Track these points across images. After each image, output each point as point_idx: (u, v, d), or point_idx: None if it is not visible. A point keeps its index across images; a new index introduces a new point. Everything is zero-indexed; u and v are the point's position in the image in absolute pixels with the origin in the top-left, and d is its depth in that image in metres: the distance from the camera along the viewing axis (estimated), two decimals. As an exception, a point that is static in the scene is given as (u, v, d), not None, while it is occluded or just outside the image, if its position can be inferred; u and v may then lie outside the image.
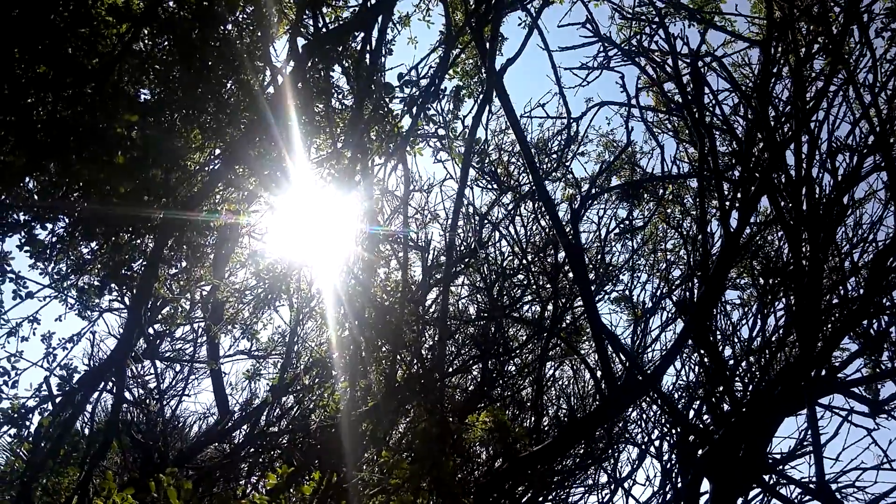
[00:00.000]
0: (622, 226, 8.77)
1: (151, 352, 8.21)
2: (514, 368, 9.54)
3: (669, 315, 9.02)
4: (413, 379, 6.01)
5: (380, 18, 5.01)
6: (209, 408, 9.99)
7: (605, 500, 9.47)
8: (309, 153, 6.32)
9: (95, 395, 5.75)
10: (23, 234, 5.06)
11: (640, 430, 9.22)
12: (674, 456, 8.48)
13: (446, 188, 13.35)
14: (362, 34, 5.35)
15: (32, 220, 5.26)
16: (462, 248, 8.43)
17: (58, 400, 5.06)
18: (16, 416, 4.96)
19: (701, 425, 7.58)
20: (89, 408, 6.14)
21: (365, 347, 6.40)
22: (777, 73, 6.34)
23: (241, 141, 5.67)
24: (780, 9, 6.01)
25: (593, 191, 7.65)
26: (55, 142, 4.95)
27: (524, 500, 8.95)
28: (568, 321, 9.13)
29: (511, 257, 9.30)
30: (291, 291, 7.74)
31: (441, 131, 7.11)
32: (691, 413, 8.38)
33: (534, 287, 9.11)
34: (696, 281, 7.80)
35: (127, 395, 7.98)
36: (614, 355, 6.71)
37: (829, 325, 7.08)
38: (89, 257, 5.57)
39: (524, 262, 8.99)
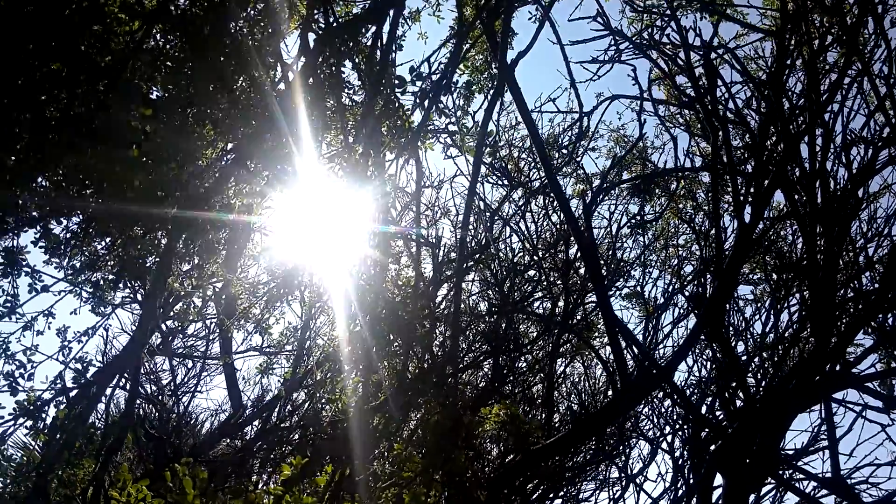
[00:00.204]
0: (634, 221, 8.73)
1: (165, 347, 8.27)
2: (524, 365, 9.52)
3: (681, 311, 8.98)
4: (425, 373, 6.02)
5: (391, 13, 5.01)
6: (221, 404, 10.06)
7: (616, 496, 9.45)
8: (320, 149, 6.34)
9: (110, 388, 5.81)
10: (38, 228, 5.11)
11: (652, 425, 9.19)
12: (686, 451, 8.44)
13: (456, 184, 13.37)
14: (374, 29, 5.36)
15: (47, 215, 5.31)
16: (473, 244, 8.43)
17: (73, 393, 5.11)
18: (32, 408, 5.01)
19: (714, 419, 7.53)
20: (104, 400, 6.20)
21: (376, 342, 6.42)
22: (791, 64, 6.28)
23: (252, 137, 5.70)
24: (794, 0, 5.97)
25: (605, 185, 7.62)
26: (69, 137, 5.00)
27: (535, 496, 8.95)
28: (579, 317, 9.10)
29: (522, 253, 9.29)
30: (303, 287, 7.78)
31: (452, 126, 7.12)
32: (703, 409, 8.33)
33: (545, 283, 9.09)
34: (708, 276, 7.76)
35: (140, 390, 8.03)
36: (627, 349, 6.68)
37: (844, 320, 7.02)
38: (104, 252, 5.61)
39: (535, 258, 8.97)
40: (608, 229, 9.03)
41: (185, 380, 9.17)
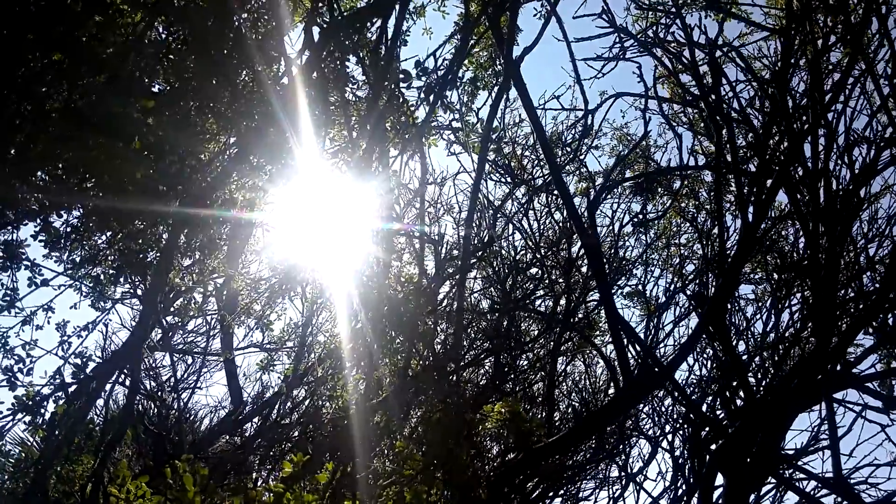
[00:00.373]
0: (636, 219, 8.71)
1: (165, 343, 8.23)
2: (525, 363, 9.51)
3: (683, 310, 8.98)
4: (427, 370, 6.00)
5: (396, 7, 4.98)
6: (221, 401, 10.03)
7: (616, 495, 9.44)
8: (323, 144, 6.30)
9: (110, 384, 5.77)
10: (38, 221, 5.07)
11: (652, 424, 9.19)
12: (686, 450, 8.43)
13: (459, 181, 13.35)
14: (378, 23, 5.33)
15: (47, 208, 5.27)
16: (476, 241, 8.40)
17: (72, 388, 5.07)
18: (31, 403, 4.97)
19: (715, 418, 7.52)
20: (103, 396, 6.16)
21: (378, 339, 6.40)
22: (795, 63, 6.27)
23: (254, 131, 5.66)
24: (799, -1, 5.96)
25: (609, 182, 7.60)
26: (70, 130, 4.96)
27: (535, 494, 8.94)
28: (581, 316, 9.09)
29: (524, 251, 9.28)
30: (305, 283, 7.74)
31: (456, 123, 7.09)
32: (704, 408, 8.33)
33: (547, 281, 9.07)
34: (710, 275, 7.75)
35: (140, 386, 7.99)
36: (629, 347, 6.66)
37: (845, 320, 7.01)
38: (104, 246, 5.57)
39: (537, 255, 8.96)
40: (610, 228, 9.03)
41: (185, 376, 9.14)
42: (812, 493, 6.56)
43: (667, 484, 8.94)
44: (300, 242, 7.04)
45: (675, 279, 8.99)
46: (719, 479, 6.79)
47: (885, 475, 8.21)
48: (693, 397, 8.36)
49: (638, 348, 6.03)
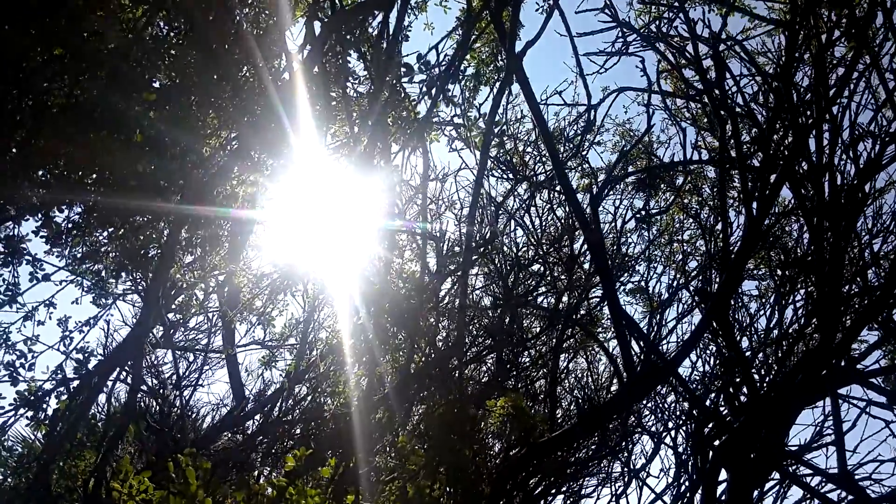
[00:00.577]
0: (639, 215, 8.69)
1: (167, 340, 8.22)
2: (528, 360, 9.48)
3: (686, 306, 8.95)
4: (430, 366, 5.98)
5: (398, 1, 4.96)
6: (222, 398, 10.01)
7: (618, 491, 9.42)
8: (325, 139, 6.28)
9: (112, 378, 5.75)
10: (39, 216, 5.06)
11: (655, 420, 9.16)
12: (689, 446, 8.41)
13: (461, 178, 13.30)
14: (380, 18, 5.30)
15: (49, 203, 5.25)
16: (478, 237, 8.38)
17: (74, 383, 5.06)
18: (32, 398, 4.96)
19: (719, 414, 7.49)
20: (106, 391, 6.15)
21: (379, 336, 6.38)
22: (799, 57, 6.24)
23: (256, 126, 5.64)
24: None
25: (613, 176, 7.57)
26: (72, 124, 4.94)
27: (537, 491, 8.91)
28: (583, 312, 9.06)
29: (525, 248, 9.25)
30: (306, 280, 7.73)
31: (458, 119, 7.07)
32: (707, 404, 8.30)
33: (549, 278, 9.05)
34: (714, 271, 7.73)
35: (142, 383, 7.97)
36: (632, 343, 6.64)
37: (850, 315, 6.99)
38: (106, 242, 5.56)
39: (539, 251, 8.93)
40: (613, 224, 9.00)
41: (187, 373, 9.12)
42: (816, 488, 6.54)
43: (669, 480, 8.93)
44: (301, 238, 7.02)
45: (678, 275, 8.97)
46: (723, 475, 6.77)
47: (890, 471, 8.19)
48: (696, 393, 8.34)
49: (641, 344, 6.00)
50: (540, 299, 9.47)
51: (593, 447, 9.17)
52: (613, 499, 9.53)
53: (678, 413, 8.88)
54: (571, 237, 8.91)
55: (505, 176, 8.68)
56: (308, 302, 8.40)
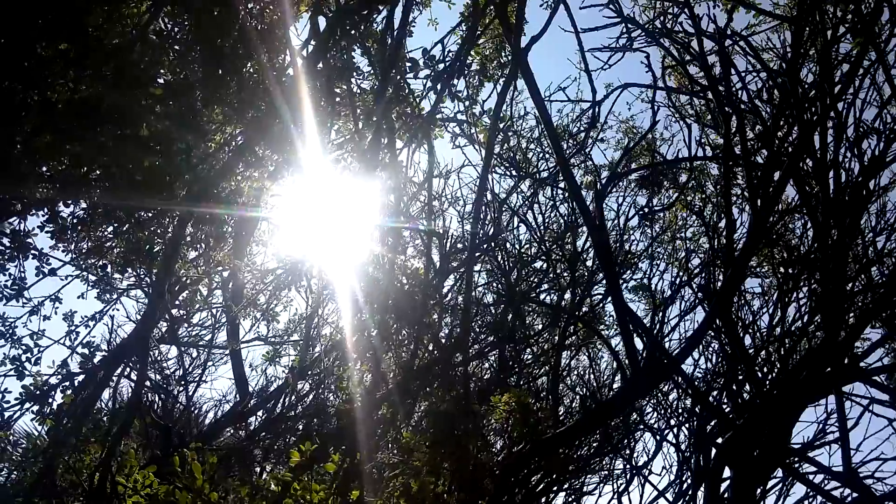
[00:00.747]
0: (643, 212, 8.68)
1: (171, 336, 8.24)
2: (530, 357, 9.48)
3: (688, 304, 8.95)
4: (435, 362, 5.99)
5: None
6: (225, 394, 10.03)
7: (620, 488, 9.42)
8: (329, 135, 6.29)
9: (117, 374, 5.76)
10: (45, 211, 5.07)
11: (658, 416, 9.16)
12: (692, 444, 8.41)
13: (464, 174, 13.28)
14: (384, 13, 5.30)
15: (55, 198, 5.27)
16: (481, 234, 8.38)
17: (80, 378, 5.08)
18: (38, 392, 4.98)
19: (722, 411, 7.50)
20: (111, 385, 6.16)
21: (382, 332, 6.38)
22: (805, 52, 6.23)
23: (261, 121, 5.64)
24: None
25: (618, 171, 7.56)
26: (78, 118, 4.95)
27: (539, 488, 8.91)
28: (586, 309, 9.06)
29: (528, 245, 9.25)
30: (310, 275, 7.73)
31: (461, 116, 7.06)
32: (711, 401, 8.30)
33: (552, 275, 9.05)
34: (717, 268, 7.72)
35: (147, 378, 7.98)
36: (636, 339, 6.64)
37: (854, 313, 6.98)
38: (111, 236, 5.57)
39: (542, 248, 8.93)
40: (616, 221, 8.99)
41: (191, 369, 9.14)
42: (820, 485, 6.54)
43: (672, 478, 8.93)
44: (306, 234, 7.03)
45: (681, 273, 8.96)
46: (726, 472, 6.77)
47: (893, 470, 8.18)
48: (699, 390, 8.33)
49: (645, 339, 6.00)
50: (543, 296, 9.47)
51: (595, 444, 9.17)
52: (615, 496, 9.54)
53: (680, 410, 8.89)
54: (574, 234, 8.91)
55: (508, 173, 8.68)
56: (312, 298, 8.41)
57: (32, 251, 5.11)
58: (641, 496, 9.34)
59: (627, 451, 9.36)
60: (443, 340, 7.21)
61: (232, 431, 9.06)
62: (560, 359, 8.71)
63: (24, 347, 5.12)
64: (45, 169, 5.29)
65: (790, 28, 6.19)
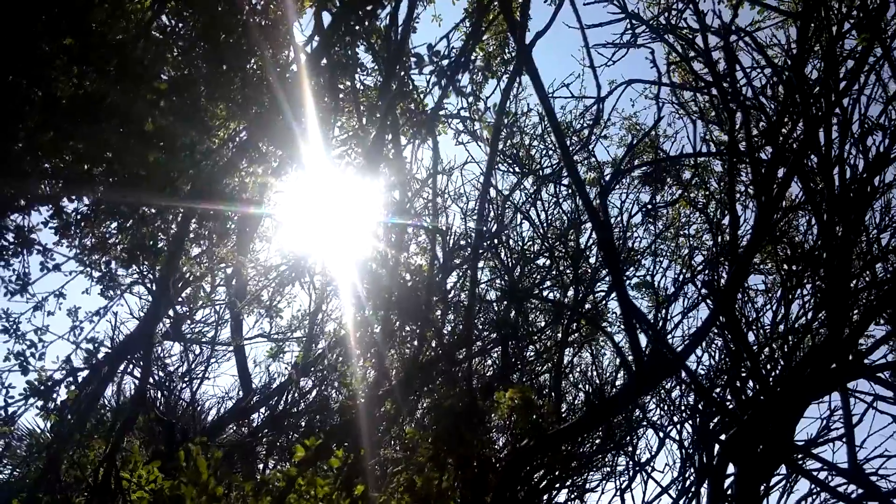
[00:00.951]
0: (646, 208, 8.67)
1: (174, 332, 8.24)
2: (532, 354, 9.48)
3: (691, 301, 8.94)
4: (438, 358, 5.98)
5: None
6: (228, 391, 10.04)
7: (623, 485, 9.42)
8: (332, 131, 6.28)
9: (121, 370, 5.77)
10: (49, 206, 5.07)
11: (662, 413, 9.16)
12: (695, 440, 8.41)
13: (467, 171, 13.26)
14: (388, 8, 5.29)
15: (59, 194, 5.26)
16: (484, 230, 8.37)
17: (84, 373, 5.08)
18: (43, 388, 4.98)
19: (726, 407, 7.49)
20: (116, 380, 6.16)
21: (387, 328, 6.38)
22: (810, 48, 6.21)
23: (265, 117, 5.64)
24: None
25: (623, 167, 7.55)
26: (82, 114, 4.94)
27: (541, 486, 8.92)
28: (589, 306, 9.06)
29: (531, 242, 9.25)
30: (314, 271, 7.73)
31: (465, 112, 7.05)
32: (714, 397, 8.30)
33: (555, 272, 9.04)
34: (721, 264, 7.71)
35: (151, 373, 7.99)
36: (641, 335, 6.63)
37: (858, 310, 6.97)
38: (115, 232, 5.57)
39: (545, 245, 8.93)
40: (619, 218, 8.99)
41: (194, 366, 9.15)
42: (826, 480, 6.54)
43: (675, 475, 8.93)
44: (309, 230, 7.02)
45: (684, 270, 8.96)
46: (730, 469, 6.78)
47: (896, 467, 8.17)
48: (703, 387, 8.33)
49: (650, 334, 5.99)
50: (546, 293, 9.48)
51: (598, 441, 9.17)
52: (618, 493, 9.55)
53: (683, 407, 8.89)
54: (577, 231, 8.90)
55: (511, 170, 8.68)
56: (317, 294, 8.41)
57: (37, 247, 5.11)
58: (644, 493, 9.35)
59: (630, 448, 9.37)
60: (446, 337, 7.20)
61: (235, 428, 9.07)
62: (563, 356, 8.71)
63: (28, 343, 5.12)
64: (47, 165, 5.28)
65: (795, 24, 6.17)
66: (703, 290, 8.30)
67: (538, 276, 9.28)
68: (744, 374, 7.61)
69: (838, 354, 6.20)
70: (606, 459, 9.53)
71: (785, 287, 8.20)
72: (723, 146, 7.57)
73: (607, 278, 8.85)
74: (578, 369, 9.91)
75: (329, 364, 7.91)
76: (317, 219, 6.69)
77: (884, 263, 7.55)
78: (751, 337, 8.36)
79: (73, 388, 5.14)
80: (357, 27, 5.22)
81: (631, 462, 9.37)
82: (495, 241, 8.56)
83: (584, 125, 8.06)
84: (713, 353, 8.81)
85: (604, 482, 9.81)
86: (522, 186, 8.90)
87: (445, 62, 5.32)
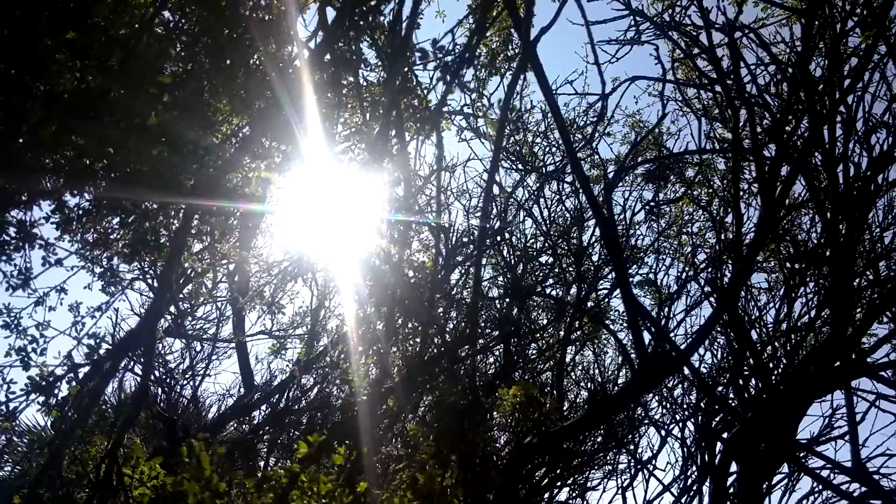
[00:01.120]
0: (650, 205, 8.66)
1: (176, 329, 8.22)
2: (534, 351, 9.46)
3: (694, 299, 8.94)
4: (441, 355, 5.97)
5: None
6: (229, 388, 10.03)
7: (625, 483, 9.41)
8: (336, 127, 6.25)
9: (122, 366, 5.75)
10: (52, 201, 5.04)
11: (664, 411, 9.15)
12: (697, 438, 8.40)
13: (470, 168, 13.23)
14: (394, 3, 5.27)
15: (61, 188, 5.24)
16: (487, 227, 8.36)
17: (86, 369, 5.06)
18: (44, 383, 4.96)
19: (730, 405, 7.48)
20: (118, 376, 6.15)
21: (389, 325, 6.37)
22: (815, 45, 6.20)
23: (268, 112, 5.62)
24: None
25: (627, 164, 7.53)
26: (84, 109, 4.92)
27: (543, 483, 8.91)
28: (592, 304, 9.05)
29: (533, 239, 9.23)
30: (317, 268, 7.71)
31: (468, 109, 7.03)
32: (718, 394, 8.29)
33: (558, 269, 9.03)
34: (725, 262, 7.70)
35: (153, 369, 7.97)
36: (644, 333, 6.62)
37: (861, 308, 6.96)
38: (116, 227, 5.55)
39: (548, 242, 8.91)
40: (622, 216, 8.97)
41: (194, 363, 9.13)
42: (829, 478, 6.53)
43: (676, 473, 8.92)
44: (312, 226, 7.00)
45: (687, 268, 8.94)
46: (732, 467, 6.76)
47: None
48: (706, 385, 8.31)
49: (653, 331, 5.98)
50: (549, 291, 9.46)
51: (599, 439, 9.16)
52: (619, 491, 9.54)
53: (686, 405, 8.88)
54: (580, 228, 8.89)
55: (514, 167, 8.66)
56: (318, 290, 8.39)
57: (38, 241, 5.09)
58: (646, 491, 9.34)
59: (632, 446, 9.36)
60: (448, 335, 7.19)
61: (236, 425, 9.05)
62: (565, 353, 8.69)
63: (29, 338, 5.09)
64: (49, 160, 5.26)
65: (800, 21, 6.16)
66: (707, 288, 8.29)
67: (541, 274, 9.27)
68: (746, 372, 7.60)
69: (841, 353, 6.19)
70: (608, 457, 9.53)
71: (788, 285, 8.19)
72: (726, 143, 7.56)
73: (610, 276, 8.83)
74: (580, 367, 9.91)
75: (331, 361, 7.89)
76: (319, 215, 6.66)
77: (887, 262, 7.55)
78: (753, 335, 8.36)
79: (74, 384, 5.12)
80: (361, 22, 5.20)
81: (633, 460, 9.36)
82: (498, 238, 8.54)
83: (588, 122, 8.05)
84: (716, 352, 8.81)
85: (605, 480, 9.82)
86: (525, 183, 8.90)
87: (449, 58, 5.30)
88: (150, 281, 7.22)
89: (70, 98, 4.98)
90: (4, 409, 4.93)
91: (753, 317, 8.47)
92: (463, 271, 8.37)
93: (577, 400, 9.76)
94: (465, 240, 8.48)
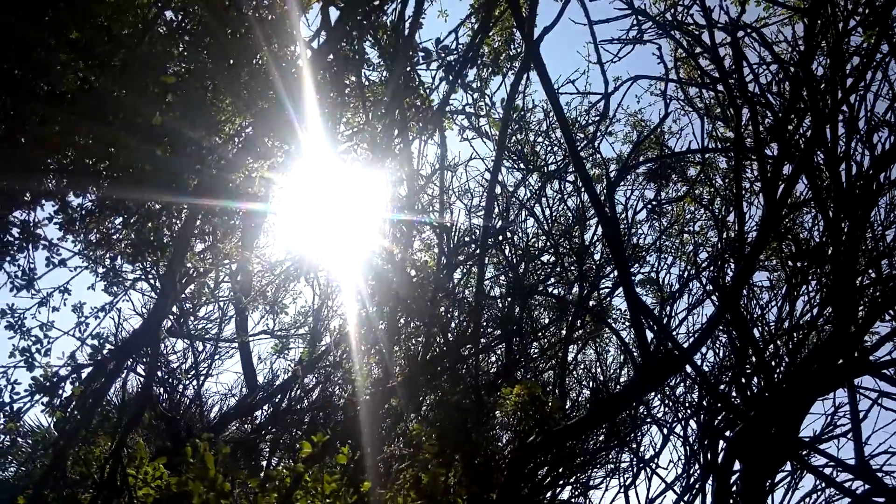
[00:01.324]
0: (652, 204, 8.66)
1: (179, 329, 8.23)
2: (536, 350, 9.47)
3: (696, 298, 8.94)
4: (444, 355, 5.98)
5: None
6: (231, 388, 10.04)
7: (627, 482, 9.43)
8: (338, 126, 6.25)
9: (126, 367, 5.75)
10: (55, 201, 5.05)
11: (666, 410, 9.16)
12: (700, 436, 8.41)
13: (471, 168, 13.25)
14: (397, 3, 5.27)
15: (64, 189, 5.25)
16: (489, 226, 8.36)
17: (90, 369, 5.06)
18: (48, 384, 4.96)
19: (733, 403, 7.49)
20: (122, 376, 6.15)
21: (391, 324, 6.37)
22: (817, 45, 6.20)
23: (271, 112, 5.62)
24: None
25: (630, 162, 7.53)
26: (87, 109, 4.92)
27: (545, 482, 8.92)
28: (593, 303, 9.06)
29: (535, 238, 9.24)
30: (319, 268, 7.71)
31: (470, 109, 7.03)
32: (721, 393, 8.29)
33: (560, 268, 9.04)
34: (727, 260, 7.70)
35: (157, 368, 7.97)
36: (647, 331, 6.64)
37: (863, 306, 6.97)
38: (119, 227, 5.55)
39: (550, 241, 8.92)
40: (623, 215, 8.97)
41: (197, 363, 9.13)
42: (832, 475, 6.53)
43: (679, 471, 8.93)
44: (314, 226, 7.00)
45: (689, 267, 8.95)
46: (735, 465, 6.77)
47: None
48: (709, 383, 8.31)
49: (656, 329, 6.00)
50: (551, 290, 9.47)
51: (602, 438, 9.17)
52: (622, 490, 9.55)
53: (688, 404, 8.89)
54: (582, 227, 8.90)
55: (516, 166, 8.67)
56: (321, 290, 8.40)
57: (42, 242, 5.09)
58: (648, 490, 9.35)
59: (634, 445, 9.37)
60: (450, 335, 7.19)
61: (238, 425, 9.06)
62: (567, 352, 8.70)
63: (33, 339, 5.09)
64: (51, 162, 5.26)
65: (802, 20, 6.16)
66: (709, 287, 8.29)
67: (543, 273, 9.27)
68: (749, 371, 7.61)
69: (843, 351, 6.19)
70: (611, 456, 9.54)
71: (790, 283, 8.20)
72: (729, 142, 7.56)
73: (612, 275, 8.84)
74: (583, 366, 9.92)
75: (333, 361, 7.89)
76: (322, 215, 6.67)
77: (889, 260, 7.54)
78: (756, 333, 8.37)
79: (78, 384, 5.12)
80: (364, 22, 5.20)
81: (635, 458, 9.37)
82: (500, 237, 8.55)
83: (590, 121, 8.05)
84: (718, 350, 8.82)
85: (608, 479, 9.83)
86: (527, 182, 8.90)
87: (452, 58, 5.30)
88: (152, 281, 7.23)
89: (73, 98, 4.99)
90: (9, 410, 4.94)
91: (756, 315, 8.48)
92: (465, 270, 8.38)
93: (580, 399, 9.77)
94: (467, 239, 8.49)
